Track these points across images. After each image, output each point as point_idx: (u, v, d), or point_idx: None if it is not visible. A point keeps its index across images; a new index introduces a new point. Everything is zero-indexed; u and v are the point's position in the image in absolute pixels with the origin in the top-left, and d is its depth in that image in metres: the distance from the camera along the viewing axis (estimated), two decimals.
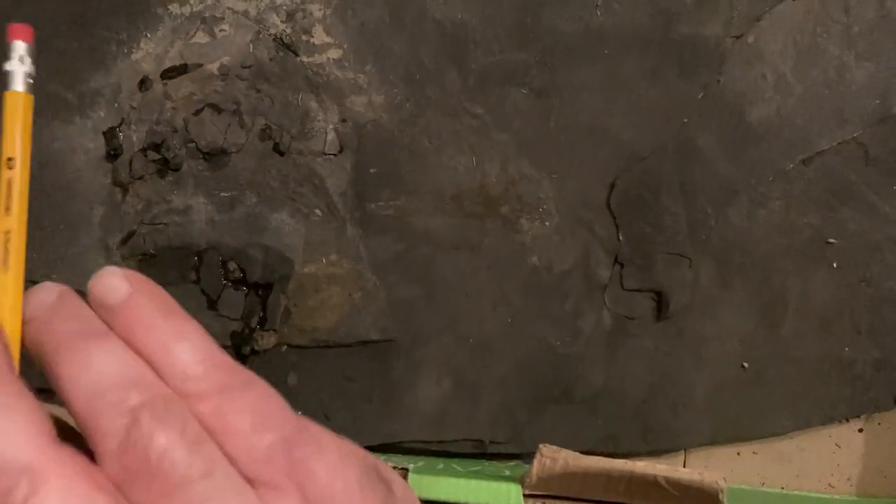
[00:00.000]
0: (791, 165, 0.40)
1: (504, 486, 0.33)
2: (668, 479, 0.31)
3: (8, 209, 0.21)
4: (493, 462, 0.43)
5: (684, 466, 0.43)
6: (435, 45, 0.41)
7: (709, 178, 0.40)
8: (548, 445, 0.32)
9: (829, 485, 0.42)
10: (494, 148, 0.42)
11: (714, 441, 0.42)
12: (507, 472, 0.38)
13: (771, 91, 0.40)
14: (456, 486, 0.33)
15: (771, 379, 0.41)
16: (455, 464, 0.40)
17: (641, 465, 0.32)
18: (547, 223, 0.41)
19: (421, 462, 0.39)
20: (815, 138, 0.40)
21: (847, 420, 0.42)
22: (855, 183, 0.40)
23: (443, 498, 0.33)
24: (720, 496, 0.32)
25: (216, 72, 0.42)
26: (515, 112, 0.41)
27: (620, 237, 0.41)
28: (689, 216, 0.41)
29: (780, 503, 0.39)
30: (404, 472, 0.35)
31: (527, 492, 0.33)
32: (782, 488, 0.42)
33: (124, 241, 0.43)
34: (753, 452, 0.43)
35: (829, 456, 0.42)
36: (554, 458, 0.32)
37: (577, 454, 0.31)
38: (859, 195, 0.40)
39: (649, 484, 0.32)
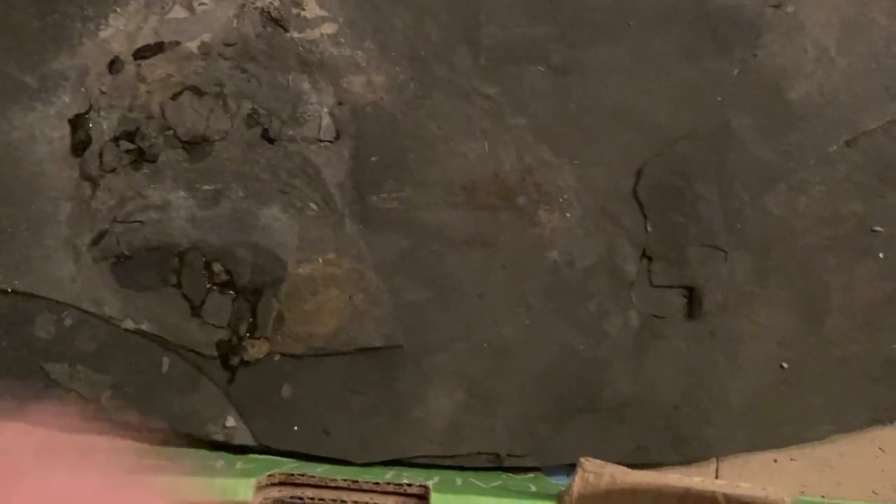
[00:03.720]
0: (834, 147, 0.37)
1: None
2: (728, 497, 0.29)
3: None
4: (512, 475, 0.39)
5: (717, 476, 0.40)
6: (442, 18, 0.38)
7: (745, 162, 0.37)
8: (591, 459, 0.29)
9: (873, 492, 0.40)
10: (509, 133, 0.38)
11: (750, 448, 0.40)
12: (533, 488, 0.35)
13: (812, 66, 0.37)
14: None
15: (812, 381, 0.39)
16: (473, 478, 0.37)
17: (698, 481, 0.29)
18: (568, 215, 0.38)
19: (437, 477, 0.36)
20: (860, 117, 0.37)
21: (892, 422, 0.39)
22: None
23: None
24: None
25: (196, 50, 0.38)
26: (532, 93, 0.38)
27: (649, 228, 0.38)
28: (723, 205, 0.38)
29: None
30: (424, 490, 0.32)
31: None
32: (822, 497, 0.40)
33: (95, 242, 0.39)
34: (791, 459, 0.40)
35: (872, 461, 0.40)
36: (598, 473, 0.29)
37: (626, 469, 0.28)
38: None
39: (706, 501, 0.29)
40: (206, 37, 0.38)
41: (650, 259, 0.38)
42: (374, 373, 0.39)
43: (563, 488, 0.32)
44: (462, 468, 0.40)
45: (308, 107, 0.38)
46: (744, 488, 0.29)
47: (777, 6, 0.37)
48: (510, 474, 0.40)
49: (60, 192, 0.39)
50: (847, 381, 0.39)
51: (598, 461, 0.30)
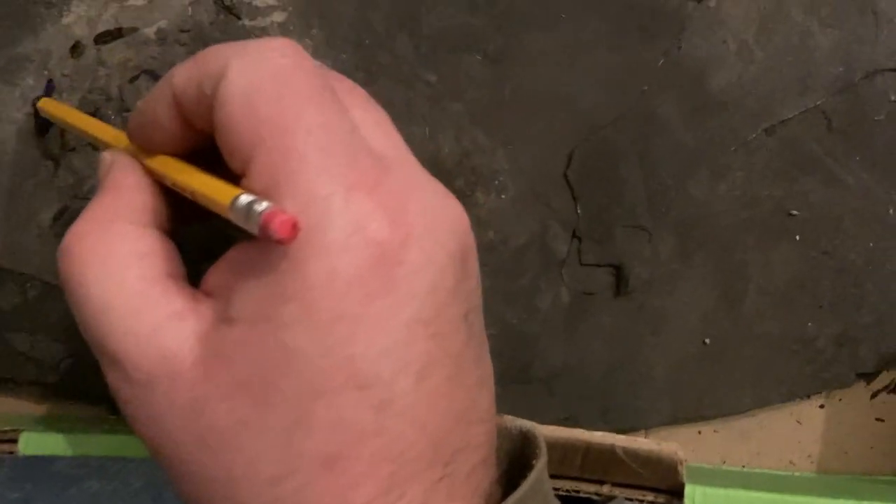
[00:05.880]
0: (753, 135, 0.40)
1: None
2: (625, 450, 0.31)
3: None
4: None
5: None
6: (385, 8, 0.40)
7: (669, 148, 0.40)
8: (506, 416, 0.32)
9: (790, 462, 0.43)
10: (447, 118, 0.41)
11: (675, 420, 0.42)
12: None
13: (733, 58, 0.40)
14: None
15: (732, 356, 0.42)
16: None
17: (599, 436, 0.32)
18: (503, 196, 0.41)
19: None
20: (777, 107, 0.40)
21: (808, 397, 0.42)
22: (817, 153, 0.40)
23: None
24: (679, 468, 0.32)
25: (153, 36, 0.41)
26: (469, 80, 0.41)
27: (578, 210, 0.41)
28: (648, 188, 0.40)
29: (740, 481, 0.39)
30: None
31: None
32: (743, 467, 0.43)
33: (57, 218, 0.42)
34: (714, 431, 0.43)
35: (790, 433, 0.43)
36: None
37: (534, 423, 0.30)
38: (822, 165, 0.40)
39: (607, 455, 0.32)
40: (163, 23, 0.41)
41: (580, 239, 0.41)
42: None
43: None
44: None
45: None
46: (640, 442, 0.32)
47: (699, 0, 0.39)
48: None
49: (24, 170, 0.42)
50: (765, 358, 0.42)
51: (512, 417, 0.32)
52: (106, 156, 0.29)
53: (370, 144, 0.25)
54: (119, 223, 0.26)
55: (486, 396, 0.28)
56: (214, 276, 0.26)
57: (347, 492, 0.23)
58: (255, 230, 0.22)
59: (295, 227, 0.22)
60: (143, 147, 0.28)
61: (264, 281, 0.23)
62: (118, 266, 0.25)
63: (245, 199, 0.23)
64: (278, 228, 0.21)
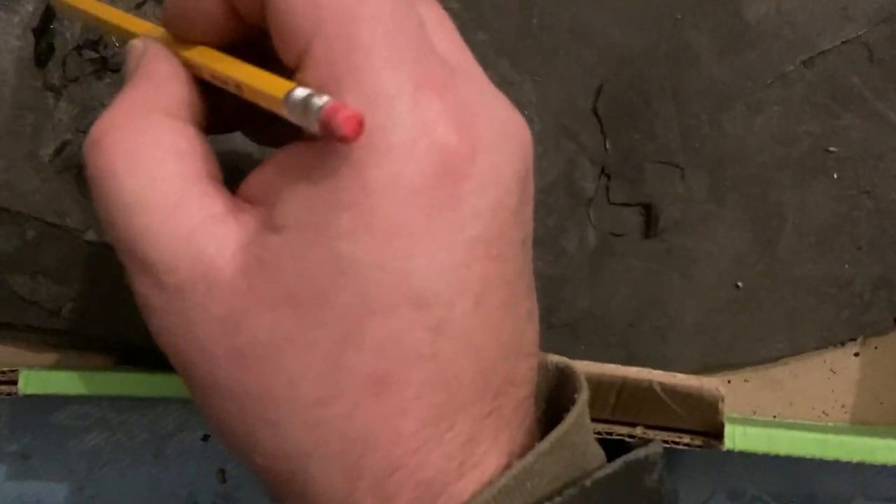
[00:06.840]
0: (791, 68, 0.38)
1: None
2: (663, 386, 0.30)
3: None
4: None
5: None
6: None
7: (703, 81, 0.39)
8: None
9: (823, 412, 0.41)
10: (472, 48, 0.39)
11: (704, 367, 0.41)
12: None
13: None
14: None
15: (765, 300, 0.40)
16: None
17: (635, 371, 0.30)
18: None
19: None
20: (816, 38, 0.38)
21: (843, 344, 0.41)
22: (858, 87, 0.38)
23: None
24: (719, 405, 0.30)
25: None
26: (495, 9, 0.39)
27: (607, 146, 0.39)
28: (680, 123, 0.39)
29: (771, 431, 0.38)
30: None
31: None
32: (774, 416, 0.41)
33: (58, 153, 0.40)
34: (745, 380, 0.42)
35: (823, 382, 0.41)
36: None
37: (567, 359, 0.29)
38: (862, 100, 0.39)
39: (643, 392, 0.30)
40: None
41: (608, 176, 0.39)
42: None
43: None
44: None
45: None
46: (679, 378, 0.30)
47: None
48: None
49: (23, 103, 0.40)
50: (800, 302, 0.40)
51: (542, 352, 0.31)
52: (137, 43, 0.26)
53: (436, 45, 0.23)
54: (156, 114, 0.23)
55: (532, 330, 0.26)
56: (257, 181, 0.23)
57: (395, 417, 0.21)
58: (313, 127, 0.20)
59: (361, 124, 0.19)
60: (179, 36, 0.26)
61: (318, 185, 0.21)
62: (154, 161, 0.23)
63: (301, 91, 0.20)
64: (343, 123, 0.19)
